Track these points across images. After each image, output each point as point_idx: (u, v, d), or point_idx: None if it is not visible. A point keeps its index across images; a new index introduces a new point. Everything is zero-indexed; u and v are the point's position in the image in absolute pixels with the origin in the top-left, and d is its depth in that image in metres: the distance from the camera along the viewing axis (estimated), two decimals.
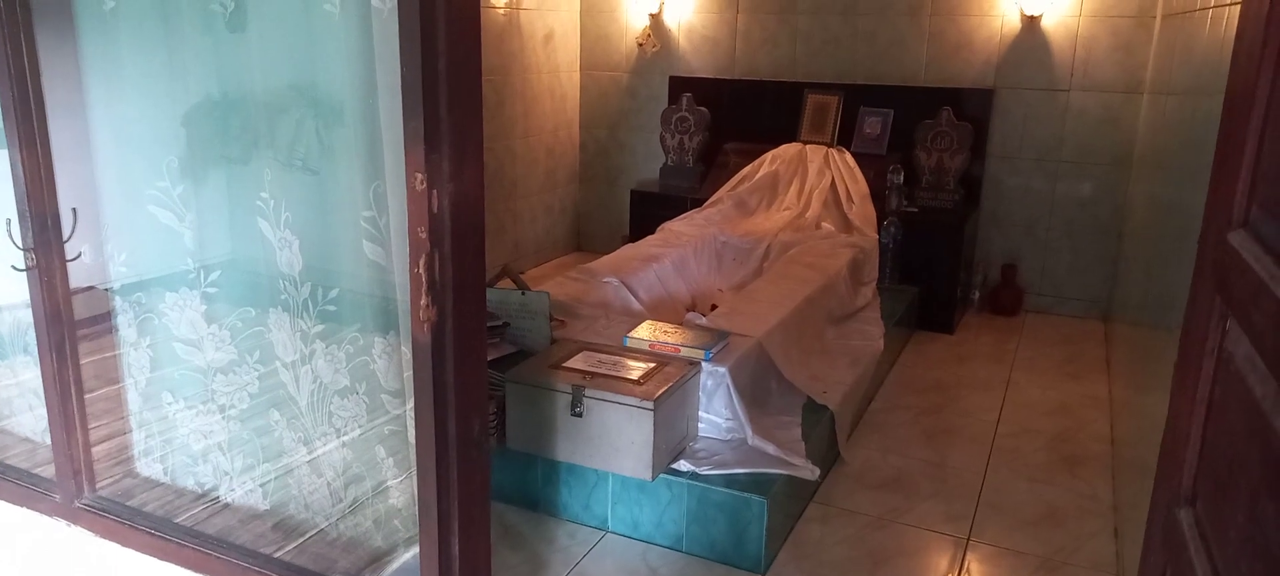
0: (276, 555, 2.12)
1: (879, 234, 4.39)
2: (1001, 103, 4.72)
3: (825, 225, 4.47)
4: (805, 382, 2.96)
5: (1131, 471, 2.62)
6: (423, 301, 1.69)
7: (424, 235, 1.67)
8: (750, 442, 2.61)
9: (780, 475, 2.50)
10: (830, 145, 4.83)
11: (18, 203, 2.19)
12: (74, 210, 2.23)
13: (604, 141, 5.82)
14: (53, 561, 2.21)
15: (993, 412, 3.49)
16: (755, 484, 2.43)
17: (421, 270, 1.69)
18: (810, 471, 2.57)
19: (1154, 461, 1.33)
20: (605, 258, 3.93)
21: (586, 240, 5.98)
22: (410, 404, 1.88)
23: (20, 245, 2.19)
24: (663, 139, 5.33)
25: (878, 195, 4.58)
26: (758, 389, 2.84)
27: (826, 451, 2.90)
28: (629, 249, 4.11)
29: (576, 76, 5.75)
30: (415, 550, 1.93)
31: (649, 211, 4.88)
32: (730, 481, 2.44)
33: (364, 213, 2.00)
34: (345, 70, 2.11)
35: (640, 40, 5.47)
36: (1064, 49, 4.56)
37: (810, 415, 2.87)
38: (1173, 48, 3.48)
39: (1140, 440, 2.50)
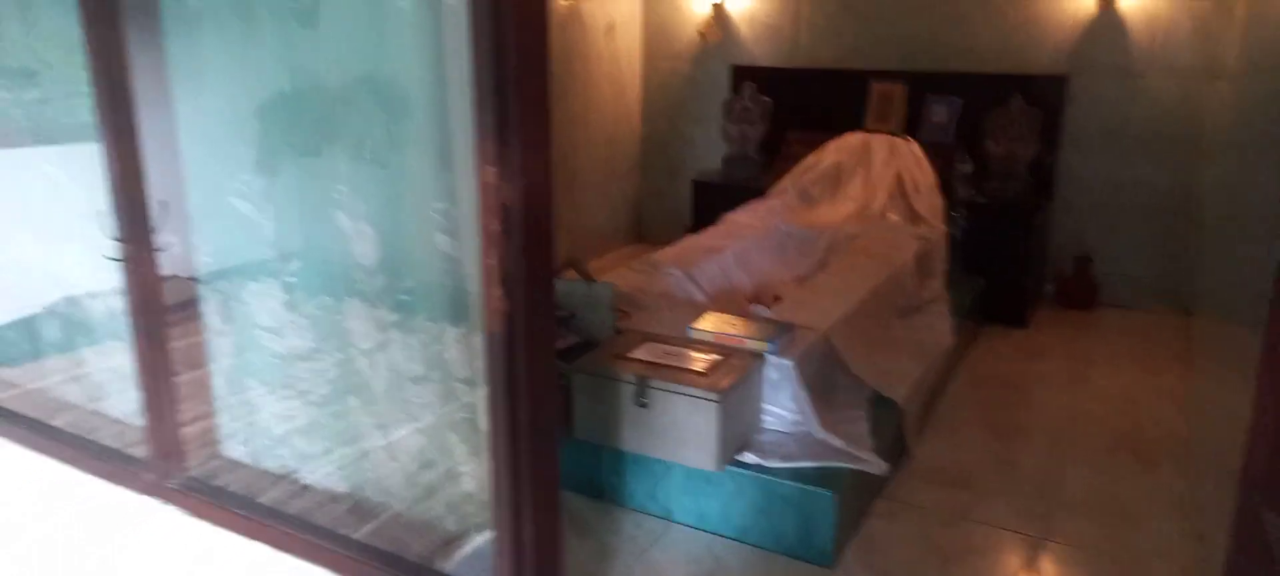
0: (354, 537, 2.18)
1: (946, 225, 4.30)
2: (1075, 89, 4.58)
3: (891, 216, 4.41)
4: (872, 376, 2.93)
5: (1213, 471, 2.53)
6: (495, 292, 1.72)
7: (495, 227, 1.70)
8: (816, 436, 2.59)
9: (847, 469, 2.48)
10: (896, 134, 4.75)
11: (110, 195, 2.29)
12: (162, 202, 2.33)
13: (665, 132, 5.82)
14: (148, 539, 2.32)
15: (1066, 409, 3.40)
16: (822, 477, 2.41)
17: (493, 261, 1.72)
18: (878, 466, 2.55)
19: (1237, 461, 1.28)
20: (667, 249, 3.93)
21: (646, 231, 5.99)
22: (482, 391, 1.92)
23: (113, 236, 2.30)
24: (725, 129, 5.30)
25: (945, 185, 4.49)
26: (823, 382, 2.82)
27: (894, 446, 2.86)
28: (691, 240, 4.11)
29: (638, 67, 5.76)
30: (487, 535, 1.97)
31: (711, 202, 4.87)
32: (797, 474, 2.43)
33: (436, 205, 2.05)
34: (417, 66, 2.15)
35: (702, 30, 5.45)
36: (1141, 32, 4.40)
37: (877, 409, 2.83)
38: (1262, 27, 3.33)
39: (1222, 439, 2.41)
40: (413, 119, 2.16)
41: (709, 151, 5.60)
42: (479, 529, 2.19)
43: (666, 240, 4.59)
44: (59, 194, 2.99)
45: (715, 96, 5.49)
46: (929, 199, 4.44)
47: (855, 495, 2.53)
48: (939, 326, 3.59)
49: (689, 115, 5.70)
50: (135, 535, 2.32)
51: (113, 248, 2.31)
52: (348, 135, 2.23)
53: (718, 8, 5.37)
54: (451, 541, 2.22)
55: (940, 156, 4.59)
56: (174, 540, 2.30)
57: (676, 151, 5.80)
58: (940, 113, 4.81)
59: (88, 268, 2.65)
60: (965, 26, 4.79)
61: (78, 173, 2.77)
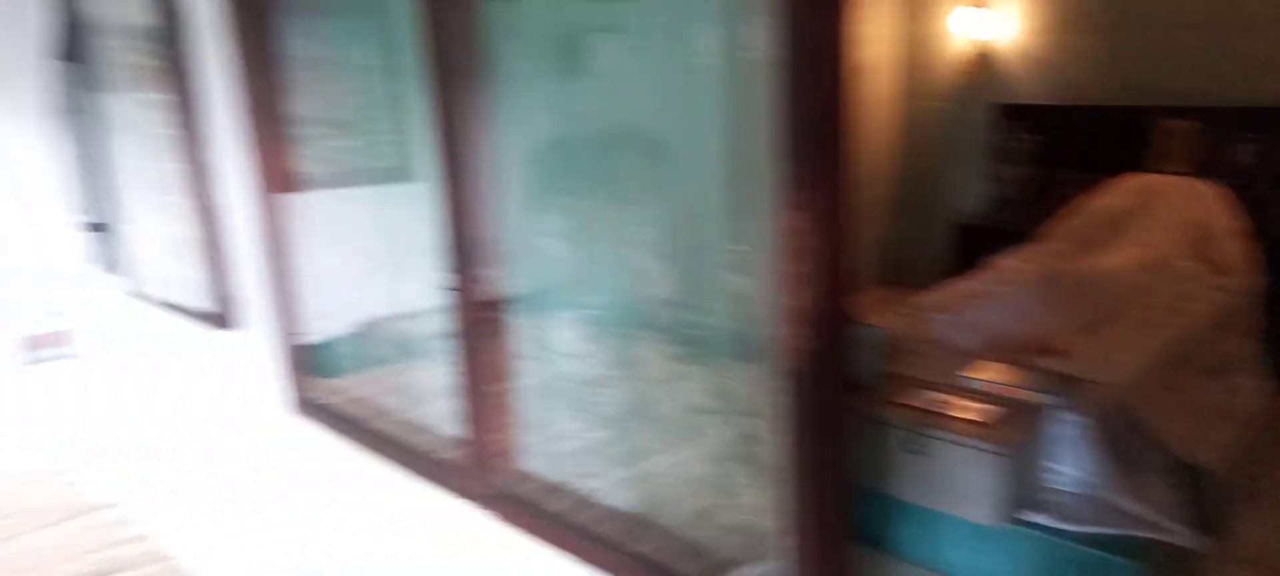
0: (640, 550, 2.32)
1: (1257, 277, 3.84)
2: None
3: (1185, 265, 4.00)
4: (1176, 440, 2.67)
5: None
6: (798, 331, 1.79)
7: (794, 268, 1.76)
8: (1112, 501, 2.41)
9: (1151, 540, 2.29)
10: (1188, 176, 4.31)
11: (444, 232, 2.62)
12: (481, 237, 2.63)
13: (921, 173, 5.67)
14: (468, 540, 2.60)
15: None
16: (1124, 547, 2.24)
17: (792, 302, 1.78)
18: (1192, 540, 2.32)
19: None
20: (933, 293, 3.83)
21: (895, 274, 5.83)
22: (767, 424, 1.98)
23: (445, 267, 2.62)
24: (989, 170, 5.08)
25: (1253, 233, 4.01)
26: (1118, 442, 2.61)
27: (1206, 521, 2.59)
28: (957, 284, 3.97)
29: (894, 107, 5.66)
30: (762, 566, 2.02)
31: (975, 245, 4.66)
32: (1095, 540, 2.27)
33: (732, 246, 2.16)
34: (719, 114, 2.29)
35: (965, 68, 5.28)
36: None
37: (1183, 478, 2.58)
38: None
39: None
40: (713, 163, 2.29)
41: (970, 193, 5.38)
42: (753, 558, 2.25)
43: (917, 284, 4.45)
44: (374, 227, 3.46)
45: (978, 136, 5.27)
46: (1232, 247, 3.99)
47: (1165, 572, 2.32)
48: (1251, 389, 3.21)
49: (950, 155, 5.51)
50: (459, 536, 2.61)
51: (443, 277, 2.63)
52: (648, 178, 2.41)
53: (982, 44, 5.18)
54: (724, 566, 2.29)
55: (1246, 200, 4.11)
56: (491, 543, 2.56)
57: (933, 193, 5.63)
58: (1244, 152, 4.31)
59: (400, 292, 3.04)
60: (1269, 56, 4.27)
61: (389, 209, 3.19)
